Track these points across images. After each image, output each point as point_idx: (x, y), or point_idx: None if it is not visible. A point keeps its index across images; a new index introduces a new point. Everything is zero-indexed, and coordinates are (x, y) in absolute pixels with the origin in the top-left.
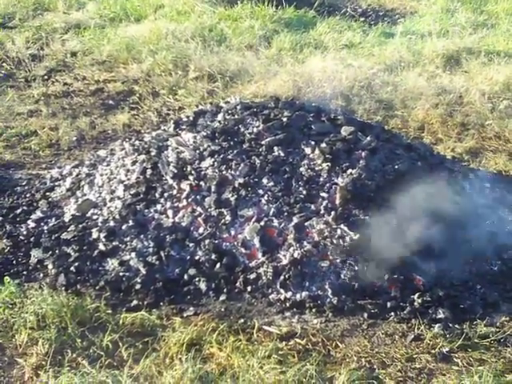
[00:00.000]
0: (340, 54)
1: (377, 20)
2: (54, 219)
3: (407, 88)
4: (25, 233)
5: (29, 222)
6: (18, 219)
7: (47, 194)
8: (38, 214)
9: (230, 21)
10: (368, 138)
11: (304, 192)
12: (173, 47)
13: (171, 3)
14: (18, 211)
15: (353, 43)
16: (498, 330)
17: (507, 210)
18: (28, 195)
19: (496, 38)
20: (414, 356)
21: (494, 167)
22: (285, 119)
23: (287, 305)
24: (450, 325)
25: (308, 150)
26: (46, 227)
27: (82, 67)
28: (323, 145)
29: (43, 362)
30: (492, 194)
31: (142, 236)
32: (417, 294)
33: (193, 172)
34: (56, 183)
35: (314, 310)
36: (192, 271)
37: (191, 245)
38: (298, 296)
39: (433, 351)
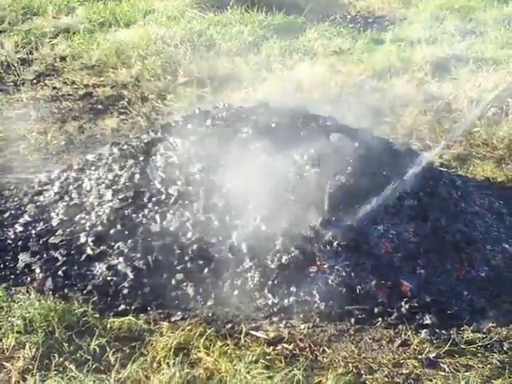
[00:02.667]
0: (329, 60)
1: (366, 27)
2: (41, 223)
3: (396, 94)
4: (12, 237)
5: (16, 225)
6: (5, 223)
7: (35, 198)
8: (26, 217)
9: (219, 26)
10: (356, 145)
11: (292, 197)
12: (162, 52)
13: (161, 8)
14: (6, 215)
15: (342, 49)
16: (484, 335)
17: (494, 217)
18: (16, 199)
19: (484, 46)
20: (401, 361)
21: (481, 174)
22: (273, 125)
23: (275, 310)
24: (437, 330)
25: (297, 156)
26: (33, 231)
27: (71, 71)
28: (312, 151)
29: (30, 366)
30: (479, 201)
31: (129, 241)
32: (404, 300)
33: (181, 177)
34: (44, 187)
35: (301, 316)
36: (179, 276)
37: (179, 250)
38: (285, 301)
39: (420, 357)
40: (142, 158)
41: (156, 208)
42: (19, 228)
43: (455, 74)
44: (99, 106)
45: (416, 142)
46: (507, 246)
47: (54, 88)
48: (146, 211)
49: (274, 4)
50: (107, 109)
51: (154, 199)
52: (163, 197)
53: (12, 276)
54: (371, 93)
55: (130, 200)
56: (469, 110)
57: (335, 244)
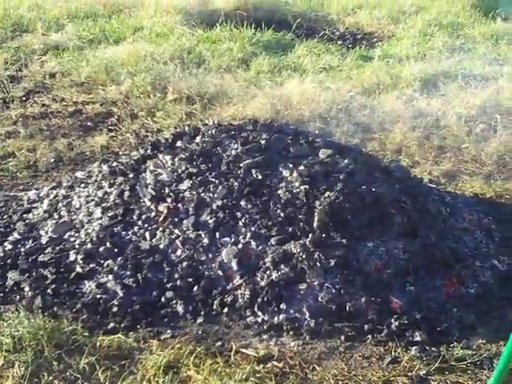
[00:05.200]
0: (318, 76)
1: (355, 43)
2: (31, 241)
3: (385, 111)
4: (1, 255)
5: (5, 243)
6: None
7: (24, 215)
8: (15, 235)
9: (208, 43)
10: (346, 161)
11: (282, 215)
12: (151, 69)
13: (150, 25)
14: None
15: (331, 66)
16: (474, 352)
17: (483, 233)
18: (5, 217)
19: (473, 62)
20: (391, 379)
21: (470, 190)
22: (263, 142)
23: (264, 327)
24: (427, 347)
25: (286, 173)
26: (22, 249)
27: (60, 89)
28: (301, 167)
29: None
30: (468, 217)
31: (119, 258)
32: (394, 317)
33: (171, 194)
34: (33, 205)
35: (291, 333)
36: (169, 294)
37: (168, 267)
38: (275, 319)
39: (410, 374)
40: (131, 176)
41: (145, 225)
42: (8, 246)
43: (444, 91)
44: (88, 123)
45: (405, 159)
46: (496, 262)
47: (44, 105)
48: (136, 229)
49: (263, 21)
50: (96, 126)
51: (143, 216)
52: (153, 214)
53: (1, 294)
54: (360, 109)
55: (119, 217)
56: (457, 126)
57: (325, 261)
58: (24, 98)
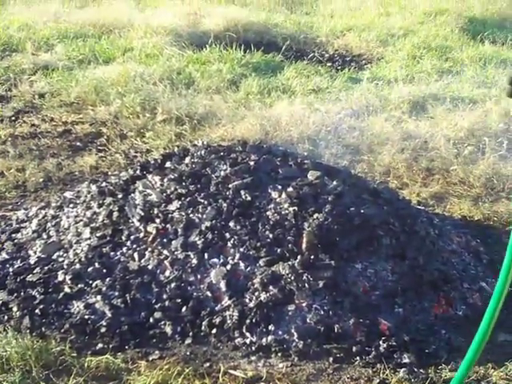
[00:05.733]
0: (307, 98)
1: (344, 65)
2: (19, 261)
3: (373, 133)
4: None
5: None
6: None
7: (13, 235)
8: (4, 255)
9: (198, 64)
10: (334, 183)
11: (270, 236)
12: (141, 90)
13: (140, 46)
14: None
15: (320, 88)
16: None
17: (471, 255)
18: None
19: (461, 85)
20: None
21: (458, 212)
22: (252, 163)
23: (253, 349)
24: (415, 369)
25: (275, 194)
26: (11, 269)
27: (49, 109)
28: (290, 189)
29: None
30: (456, 239)
31: (107, 279)
32: (382, 339)
33: (160, 215)
34: (22, 225)
35: (279, 354)
36: (158, 314)
37: (157, 288)
38: (263, 340)
39: None
40: (120, 196)
41: (134, 246)
42: None
43: (432, 113)
44: (78, 144)
45: (393, 180)
46: (484, 284)
47: (33, 125)
48: (124, 249)
49: (253, 42)
50: (86, 146)
51: (132, 237)
52: (141, 235)
53: None
54: (349, 131)
55: (108, 238)
56: (446, 148)
57: (313, 282)
58: (13, 118)
